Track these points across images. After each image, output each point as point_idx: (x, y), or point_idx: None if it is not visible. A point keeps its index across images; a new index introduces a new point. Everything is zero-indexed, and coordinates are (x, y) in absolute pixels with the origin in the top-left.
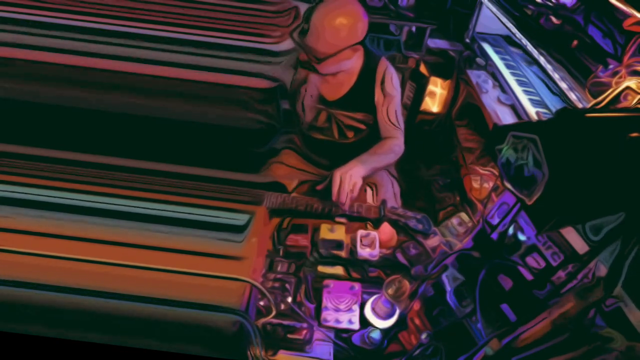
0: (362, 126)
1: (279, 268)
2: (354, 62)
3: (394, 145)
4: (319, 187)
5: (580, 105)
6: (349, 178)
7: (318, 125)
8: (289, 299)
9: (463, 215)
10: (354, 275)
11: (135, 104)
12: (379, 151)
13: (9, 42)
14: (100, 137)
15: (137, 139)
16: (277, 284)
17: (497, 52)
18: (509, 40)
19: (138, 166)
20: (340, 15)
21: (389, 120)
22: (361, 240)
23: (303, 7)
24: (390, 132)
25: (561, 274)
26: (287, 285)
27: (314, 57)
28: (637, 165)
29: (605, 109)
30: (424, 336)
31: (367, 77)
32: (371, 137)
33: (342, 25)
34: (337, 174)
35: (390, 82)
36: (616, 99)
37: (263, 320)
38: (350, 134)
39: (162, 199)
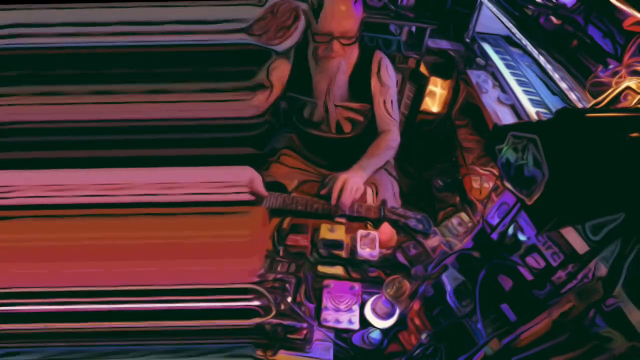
0: (360, 117)
1: (279, 268)
2: (351, 54)
3: (391, 141)
4: (322, 192)
5: (580, 105)
6: (352, 185)
7: (315, 120)
8: (289, 299)
9: (463, 215)
10: (354, 275)
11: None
12: (377, 152)
13: None
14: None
15: (135, 141)
16: (277, 284)
17: (497, 52)
18: (509, 40)
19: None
20: None
21: (386, 110)
22: (361, 240)
23: (303, 8)
24: (386, 124)
25: (561, 274)
26: (287, 285)
27: (348, 38)
28: (637, 165)
29: (605, 109)
30: (424, 336)
31: (363, 67)
32: (368, 132)
33: None
34: (340, 180)
35: (386, 71)
36: (616, 99)
37: (263, 320)
38: (347, 128)
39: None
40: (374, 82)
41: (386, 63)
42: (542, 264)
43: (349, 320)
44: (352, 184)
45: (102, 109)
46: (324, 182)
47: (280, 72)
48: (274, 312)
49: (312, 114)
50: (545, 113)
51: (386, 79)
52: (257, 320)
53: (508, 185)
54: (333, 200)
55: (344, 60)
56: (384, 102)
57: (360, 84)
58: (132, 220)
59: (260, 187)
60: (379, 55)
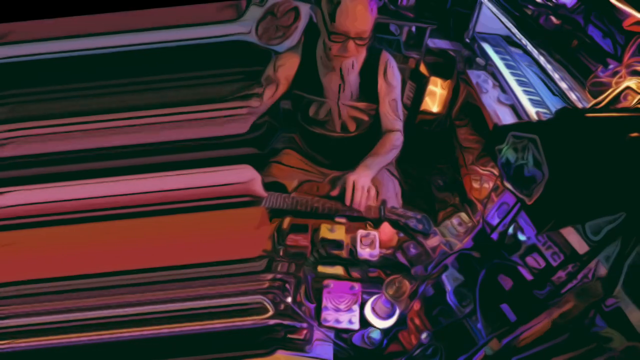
0: (365, 117)
1: (279, 268)
2: (361, 54)
3: (395, 140)
4: (333, 193)
5: (580, 105)
6: (362, 184)
7: (319, 118)
8: (289, 299)
9: (463, 215)
10: (354, 275)
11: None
12: (381, 151)
13: None
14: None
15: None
16: (277, 284)
17: (497, 52)
18: (509, 40)
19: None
20: None
21: (391, 110)
22: (361, 240)
23: (303, 8)
24: (391, 124)
25: (561, 274)
26: (287, 285)
27: (362, 39)
28: (637, 165)
29: (605, 109)
30: (424, 336)
31: (370, 67)
32: (372, 131)
33: None
34: (351, 180)
35: (392, 72)
36: (616, 99)
37: (261, 318)
38: (352, 127)
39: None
40: (380, 82)
41: (393, 64)
42: (542, 264)
43: (349, 320)
44: (362, 183)
45: (101, 116)
46: (332, 183)
47: (287, 68)
48: (271, 312)
49: (318, 112)
50: (545, 113)
51: (392, 79)
52: (256, 319)
53: (508, 185)
54: (347, 201)
55: (356, 60)
56: (390, 102)
57: (366, 84)
58: (133, 225)
59: (258, 188)
60: (385, 56)
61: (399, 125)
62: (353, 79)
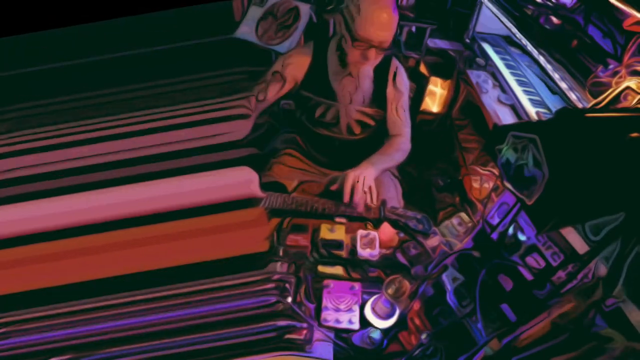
0: (371, 121)
1: (278, 268)
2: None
3: (401, 144)
4: (333, 188)
5: (580, 105)
6: (363, 180)
7: (326, 120)
8: (289, 299)
9: (463, 215)
10: (354, 275)
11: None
12: (388, 151)
13: None
14: None
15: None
16: (276, 284)
17: (497, 52)
18: (509, 40)
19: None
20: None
21: (398, 116)
22: (361, 240)
23: (303, 8)
24: (397, 128)
25: (561, 274)
26: (287, 285)
27: (381, 49)
28: (637, 165)
29: (605, 109)
30: (424, 336)
31: (380, 74)
32: (377, 135)
33: (391, 4)
34: (351, 176)
35: (401, 79)
36: (616, 99)
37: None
38: (357, 130)
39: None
40: (389, 88)
41: (402, 71)
42: (542, 264)
43: (349, 320)
44: (365, 180)
45: (104, 124)
46: (332, 179)
47: (295, 68)
48: (271, 312)
49: (325, 114)
50: (545, 113)
51: (401, 86)
52: (256, 319)
53: (508, 185)
54: (346, 198)
55: (371, 66)
56: (397, 108)
57: (375, 90)
58: (129, 233)
59: (256, 189)
60: (395, 63)
61: (406, 130)
62: (368, 84)
